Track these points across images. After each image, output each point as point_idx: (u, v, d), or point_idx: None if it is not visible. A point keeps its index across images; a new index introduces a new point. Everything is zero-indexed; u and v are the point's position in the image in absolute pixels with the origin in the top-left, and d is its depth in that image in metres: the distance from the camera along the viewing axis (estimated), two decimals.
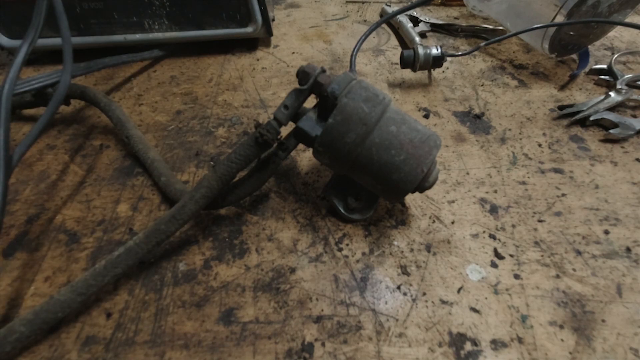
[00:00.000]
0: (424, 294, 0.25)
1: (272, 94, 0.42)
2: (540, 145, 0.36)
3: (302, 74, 0.26)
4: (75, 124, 0.39)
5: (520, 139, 0.36)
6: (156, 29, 0.45)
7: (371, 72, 0.45)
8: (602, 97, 0.39)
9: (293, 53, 0.49)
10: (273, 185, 0.33)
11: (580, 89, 0.42)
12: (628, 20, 0.43)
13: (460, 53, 0.44)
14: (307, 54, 0.49)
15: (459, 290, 0.26)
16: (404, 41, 0.51)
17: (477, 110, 0.40)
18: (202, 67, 0.46)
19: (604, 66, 0.43)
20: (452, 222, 0.30)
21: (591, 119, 0.37)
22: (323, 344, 0.23)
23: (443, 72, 0.45)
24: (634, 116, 0.38)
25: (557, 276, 0.26)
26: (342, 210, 0.29)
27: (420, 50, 0.41)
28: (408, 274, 0.26)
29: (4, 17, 0.42)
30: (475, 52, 0.48)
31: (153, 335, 0.24)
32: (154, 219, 0.30)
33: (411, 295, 0.25)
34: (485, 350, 0.23)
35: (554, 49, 0.43)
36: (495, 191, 0.32)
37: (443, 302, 0.25)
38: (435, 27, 0.53)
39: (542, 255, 0.27)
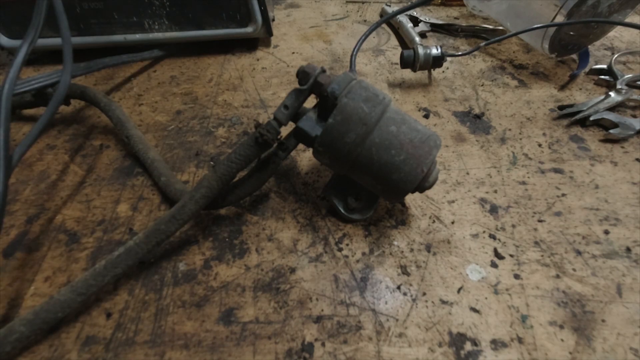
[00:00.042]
0: (424, 294, 0.25)
1: (272, 94, 0.42)
2: (540, 145, 0.36)
3: (302, 74, 0.26)
4: (75, 124, 0.39)
5: (520, 139, 0.36)
6: (156, 29, 0.45)
7: (371, 72, 0.45)
8: (602, 97, 0.39)
9: (293, 53, 0.49)
10: (273, 185, 0.33)
11: (580, 89, 0.42)
12: (628, 20, 0.43)
13: (460, 53, 0.44)
14: (307, 54, 0.49)
15: (459, 290, 0.26)
16: (404, 41, 0.51)
17: (477, 110, 0.40)
18: (202, 67, 0.46)
19: (604, 66, 0.43)
20: (452, 222, 0.30)
21: (591, 119, 0.37)
22: (323, 344, 0.23)
23: (443, 72, 0.45)
24: (634, 116, 0.38)
25: (557, 276, 0.26)
26: (342, 210, 0.29)
27: (420, 50, 0.41)
28: (408, 274, 0.26)
29: (4, 17, 0.42)
30: (475, 52, 0.48)
31: (153, 335, 0.24)
32: (154, 219, 0.30)
33: (411, 295, 0.25)
34: (485, 350, 0.23)
35: (554, 49, 0.43)
36: (495, 191, 0.32)
37: (443, 302, 0.25)
38: (435, 27, 0.53)
39: (542, 255, 0.27)
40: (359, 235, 0.29)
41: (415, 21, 0.52)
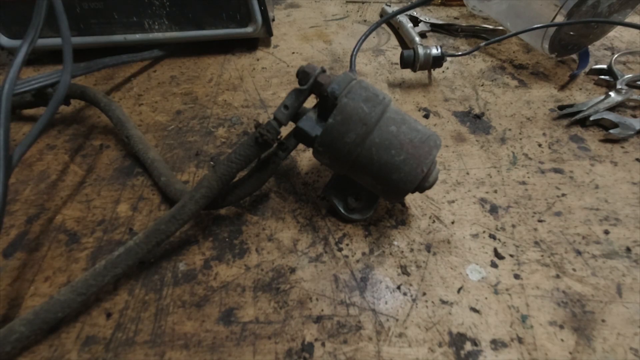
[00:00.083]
0: (424, 294, 0.25)
1: (272, 94, 0.42)
2: (540, 145, 0.36)
3: (302, 74, 0.26)
4: (75, 124, 0.39)
5: (520, 139, 0.36)
6: (156, 29, 0.45)
7: (371, 72, 0.45)
8: (602, 97, 0.39)
9: (293, 53, 0.49)
10: (273, 185, 0.33)
11: (580, 89, 0.42)
12: (628, 20, 0.43)
13: (460, 53, 0.44)
14: (307, 54, 0.49)
15: (459, 290, 0.26)
16: (404, 41, 0.51)
17: (477, 110, 0.40)
18: (202, 67, 0.46)
19: (604, 66, 0.43)
20: (452, 222, 0.30)
21: (591, 119, 0.37)
22: (323, 344, 0.23)
23: (443, 72, 0.45)
24: (634, 116, 0.38)
25: (557, 276, 0.26)
26: (342, 210, 0.29)
27: (420, 50, 0.41)
28: (408, 274, 0.26)
29: (4, 17, 0.42)
30: (475, 52, 0.48)
31: (153, 335, 0.24)
32: (154, 219, 0.30)
33: (411, 295, 0.25)
34: (485, 350, 0.23)
35: (554, 49, 0.43)
36: (495, 191, 0.32)
37: (443, 302, 0.25)
38: (435, 27, 0.53)
39: (542, 255, 0.27)
40: (359, 235, 0.29)
41: (415, 21, 0.52)
